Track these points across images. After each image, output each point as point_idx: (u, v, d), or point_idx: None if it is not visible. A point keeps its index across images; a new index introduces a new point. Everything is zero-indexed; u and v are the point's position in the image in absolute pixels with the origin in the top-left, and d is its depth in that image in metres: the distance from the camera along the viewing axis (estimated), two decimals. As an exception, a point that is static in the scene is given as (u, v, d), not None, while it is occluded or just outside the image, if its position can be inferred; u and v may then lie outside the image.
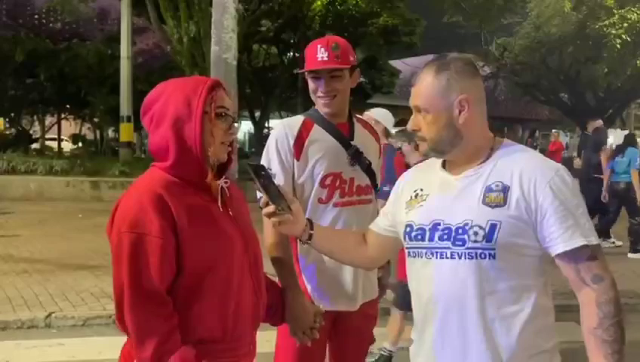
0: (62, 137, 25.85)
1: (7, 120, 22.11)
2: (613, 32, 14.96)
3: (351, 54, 2.29)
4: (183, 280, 1.57)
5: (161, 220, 1.51)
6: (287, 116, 3.42)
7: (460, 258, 1.53)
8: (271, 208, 1.70)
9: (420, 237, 1.61)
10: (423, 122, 1.61)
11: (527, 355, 1.54)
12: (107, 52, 18.17)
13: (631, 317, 5.06)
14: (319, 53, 2.23)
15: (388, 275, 2.49)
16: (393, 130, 4.50)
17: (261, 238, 1.87)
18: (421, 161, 1.86)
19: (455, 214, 1.55)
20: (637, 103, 25.95)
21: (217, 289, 1.60)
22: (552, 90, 20.55)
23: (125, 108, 15.05)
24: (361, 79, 2.47)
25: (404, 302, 3.75)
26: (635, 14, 15.03)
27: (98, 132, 25.96)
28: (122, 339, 1.65)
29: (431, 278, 1.58)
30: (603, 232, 8.40)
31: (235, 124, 1.72)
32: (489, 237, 1.50)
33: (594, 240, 1.50)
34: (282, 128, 2.28)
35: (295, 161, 2.24)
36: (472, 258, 1.52)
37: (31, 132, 24.85)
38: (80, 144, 25.55)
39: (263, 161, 2.26)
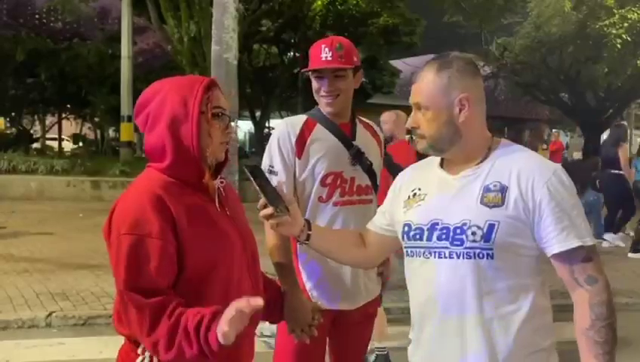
0: (62, 137, 25.86)
1: (7, 119, 22.09)
2: (614, 31, 14.92)
3: (355, 55, 2.31)
4: (183, 280, 1.56)
5: (161, 221, 1.50)
6: (288, 116, 3.44)
7: (458, 258, 1.54)
8: (269, 210, 1.69)
9: (418, 236, 1.62)
10: (422, 119, 1.62)
11: (525, 354, 1.54)
12: (108, 51, 18.19)
13: (631, 317, 5.08)
14: (323, 52, 2.25)
15: (388, 270, 2.50)
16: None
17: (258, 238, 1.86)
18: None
19: (453, 214, 1.56)
20: (637, 103, 25.88)
21: (218, 289, 1.59)
22: (553, 90, 20.51)
23: (126, 107, 15.04)
24: (362, 79, 2.48)
25: None
26: (636, 14, 14.99)
27: (99, 132, 26.00)
28: (122, 339, 1.65)
29: (429, 278, 1.59)
30: (618, 226, 8.40)
31: (232, 123, 1.72)
32: (487, 237, 1.51)
33: (589, 241, 1.51)
34: (285, 126, 2.29)
35: (296, 159, 2.25)
36: (470, 258, 1.52)
37: (31, 131, 24.81)
38: (80, 144, 25.59)
39: (265, 159, 2.28)
